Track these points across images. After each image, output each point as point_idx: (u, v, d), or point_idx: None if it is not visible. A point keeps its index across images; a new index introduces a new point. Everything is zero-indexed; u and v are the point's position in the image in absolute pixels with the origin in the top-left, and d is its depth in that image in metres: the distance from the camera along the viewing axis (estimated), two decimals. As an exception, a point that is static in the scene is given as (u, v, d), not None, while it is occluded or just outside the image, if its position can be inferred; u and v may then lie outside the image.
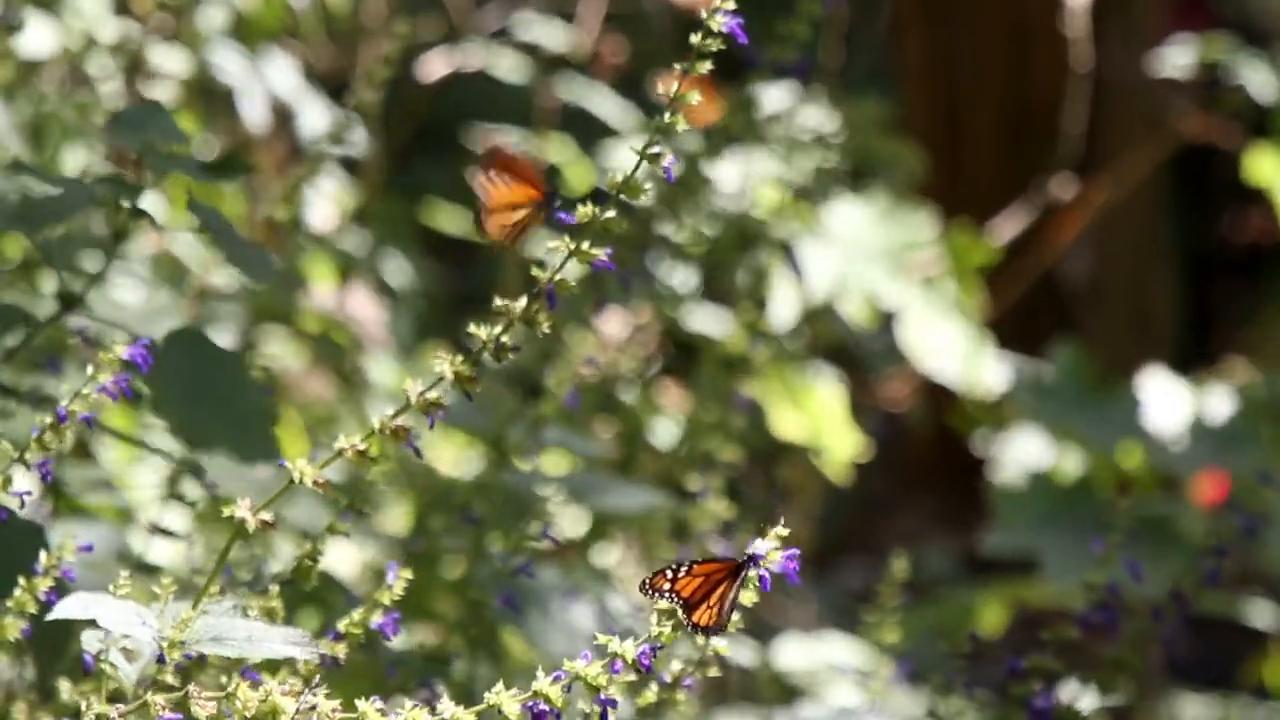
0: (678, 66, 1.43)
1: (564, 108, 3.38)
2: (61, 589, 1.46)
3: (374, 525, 2.49)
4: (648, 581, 1.40)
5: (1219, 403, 3.02)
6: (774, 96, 2.58)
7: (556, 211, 1.45)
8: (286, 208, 2.42)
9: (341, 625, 1.50)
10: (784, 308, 2.68)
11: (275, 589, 1.53)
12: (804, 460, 3.00)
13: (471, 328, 1.44)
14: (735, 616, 1.40)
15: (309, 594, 1.86)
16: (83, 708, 1.39)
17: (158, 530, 1.96)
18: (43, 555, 1.45)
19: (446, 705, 1.35)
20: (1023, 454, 3.11)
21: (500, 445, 2.12)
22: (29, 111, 2.50)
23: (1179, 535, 2.72)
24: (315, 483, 1.44)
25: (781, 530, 1.39)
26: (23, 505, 1.49)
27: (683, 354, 2.74)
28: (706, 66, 1.43)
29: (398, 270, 3.29)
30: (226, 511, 1.44)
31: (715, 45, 1.43)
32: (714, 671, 1.55)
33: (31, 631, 1.49)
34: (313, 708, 1.36)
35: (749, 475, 2.53)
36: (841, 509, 3.64)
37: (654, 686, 1.53)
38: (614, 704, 1.35)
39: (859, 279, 2.79)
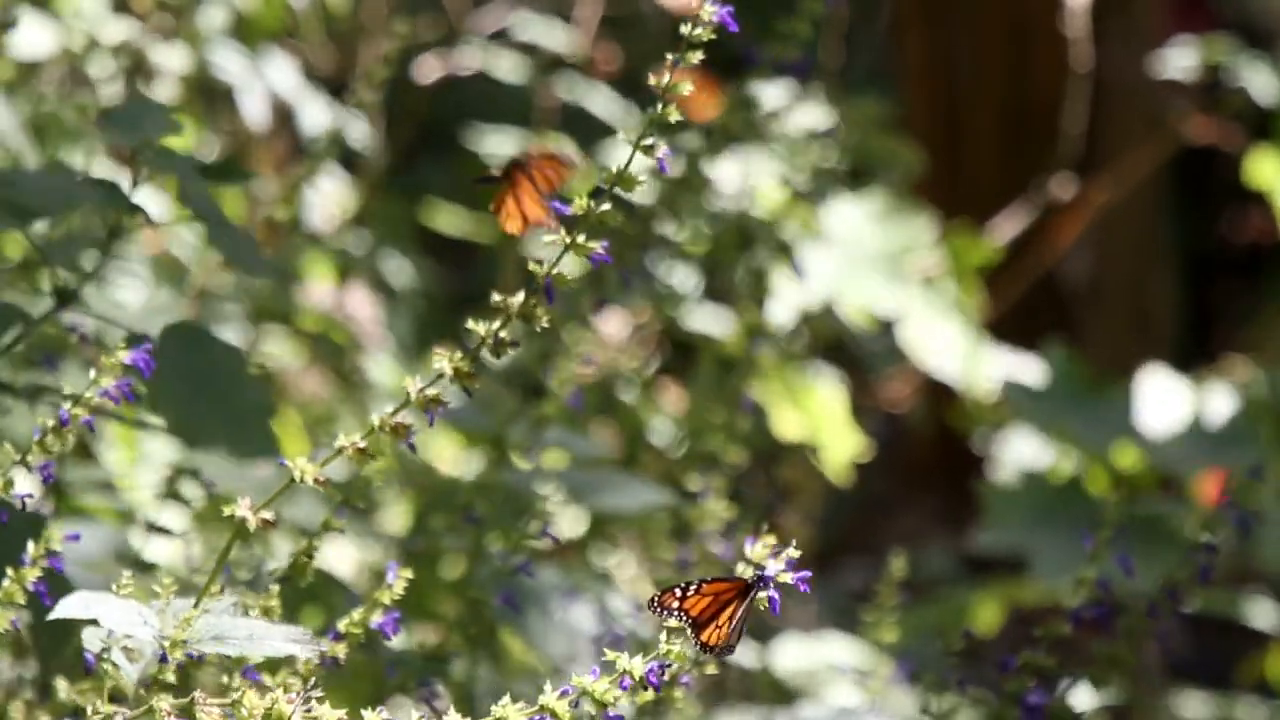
0: (669, 57, 1.43)
1: (564, 108, 3.38)
2: (61, 588, 1.46)
3: (374, 525, 2.49)
4: (656, 599, 1.40)
5: (1218, 401, 3.02)
6: (774, 95, 2.58)
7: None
8: (286, 208, 2.42)
9: (342, 625, 1.49)
10: (784, 308, 2.68)
11: (275, 588, 1.53)
12: (804, 460, 3.00)
13: (470, 323, 1.44)
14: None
15: (310, 594, 1.86)
16: (88, 711, 1.38)
17: (155, 529, 1.96)
18: (30, 545, 1.44)
19: (453, 718, 1.34)
20: (1017, 454, 3.11)
21: (500, 444, 2.13)
22: (28, 111, 2.50)
23: (1172, 533, 2.72)
24: (316, 481, 1.44)
25: (792, 551, 1.39)
26: (23, 508, 1.48)
27: (682, 354, 2.74)
28: (698, 56, 1.43)
29: (397, 270, 3.29)
30: (227, 511, 1.44)
31: (706, 35, 1.43)
32: (713, 671, 1.55)
33: (34, 630, 1.49)
34: (316, 718, 1.35)
35: (749, 475, 2.53)
36: (842, 509, 3.64)
37: (653, 686, 1.52)
38: (621, 719, 1.35)
39: (858, 284, 2.79)
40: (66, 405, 1.45)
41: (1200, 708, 3.28)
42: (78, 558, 1.80)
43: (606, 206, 1.43)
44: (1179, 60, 3.28)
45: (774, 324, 2.64)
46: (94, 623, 1.41)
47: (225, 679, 1.50)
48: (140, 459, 2.29)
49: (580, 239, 1.43)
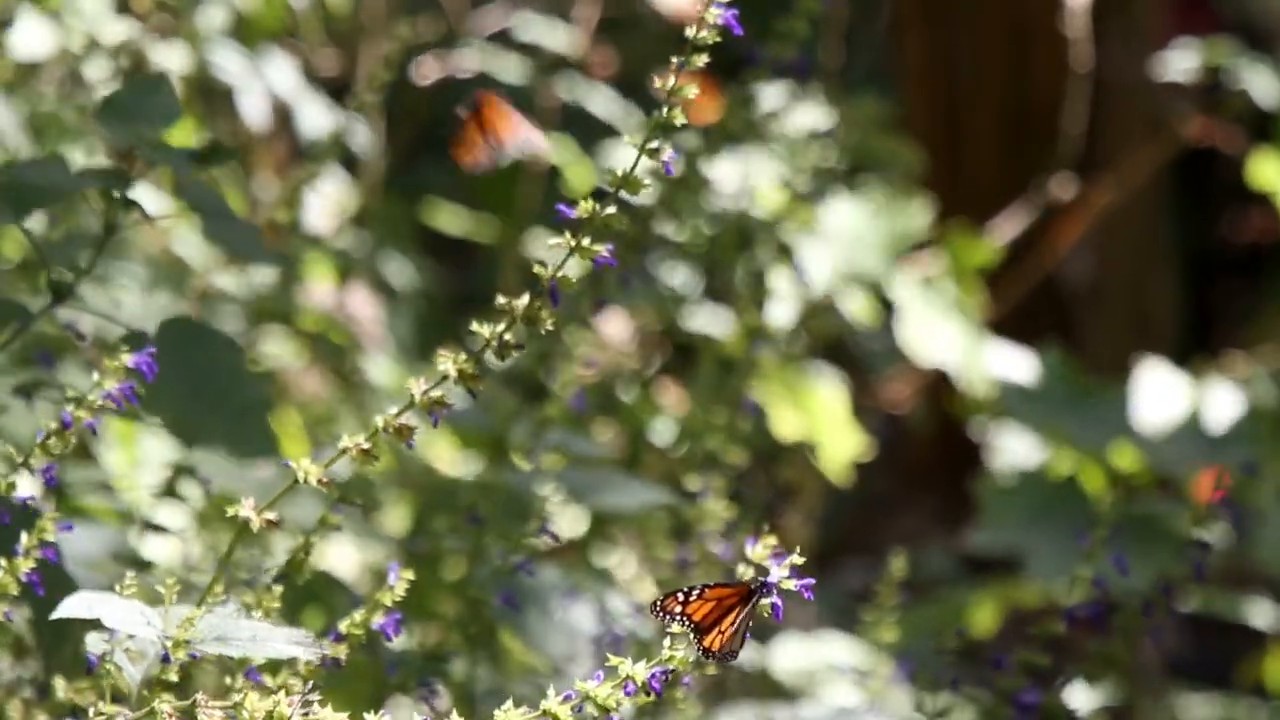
0: (674, 60, 1.43)
1: (564, 108, 3.38)
2: (63, 588, 1.46)
3: (375, 526, 2.49)
4: (659, 604, 1.39)
5: (1217, 399, 3.02)
6: (773, 95, 2.58)
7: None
8: (287, 210, 2.42)
9: (343, 626, 1.49)
10: (783, 307, 2.68)
11: (277, 588, 1.53)
12: (804, 460, 3.00)
13: (474, 326, 1.44)
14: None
15: (312, 594, 1.86)
16: (90, 712, 1.38)
17: (154, 528, 1.96)
18: (24, 536, 1.44)
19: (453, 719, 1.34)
20: (1012, 454, 3.11)
21: (501, 445, 2.12)
22: (27, 111, 2.50)
23: (1168, 532, 2.72)
24: (320, 482, 1.44)
25: (796, 558, 1.38)
26: (25, 510, 1.48)
27: (683, 354, 2.74)
28: (703, 60, 1.43)
29: (398, 270, 3.29)
30: (230, 511, 1.44)
31: (711, 38, 1.43)
32: (713, 671, 1.55)
33: (36, 628, 1.49)
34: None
35: (749, 475, 2.53)
36: (842, 509, 3.64)
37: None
38: (622, 722, 1.35)
39: (857, 268, 2.79)
40: (69, 407, 1.45)
41: (1200, 708, 3.28)
42: (79, 558, 1.80)
43: (611, 210, 1.43)
44: (1180, 61, 3.28)
45: (774, 324, 2.64)
46: (96, 623, 1.41)
47: (227, 679, 1.50)
48: (139, 459, 2.29)
49: (585, 242, 1.43)
